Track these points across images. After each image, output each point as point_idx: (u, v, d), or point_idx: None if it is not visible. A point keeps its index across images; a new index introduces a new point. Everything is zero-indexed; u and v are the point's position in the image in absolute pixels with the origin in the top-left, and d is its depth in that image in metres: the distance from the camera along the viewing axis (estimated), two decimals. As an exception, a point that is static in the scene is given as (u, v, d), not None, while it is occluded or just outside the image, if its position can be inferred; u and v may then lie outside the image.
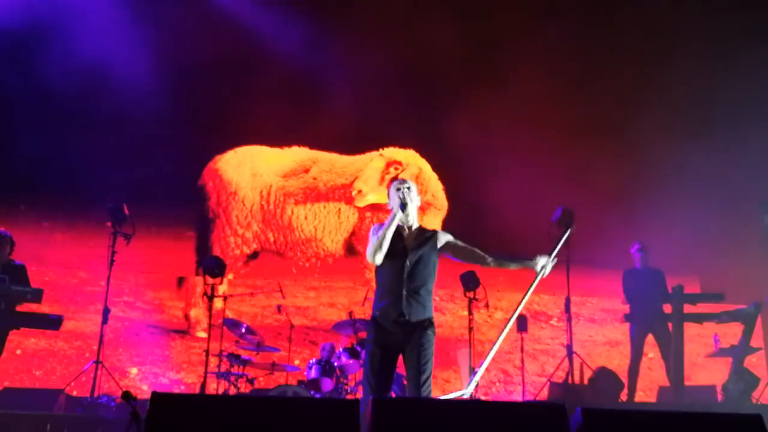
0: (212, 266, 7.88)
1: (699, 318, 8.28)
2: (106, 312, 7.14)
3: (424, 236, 4.97)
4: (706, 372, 9.60)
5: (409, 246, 4.87)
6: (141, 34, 9.00)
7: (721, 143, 9.32)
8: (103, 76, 8.85)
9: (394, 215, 4.93)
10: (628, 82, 9.52)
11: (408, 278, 4.77)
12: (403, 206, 4.94)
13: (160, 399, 3.17)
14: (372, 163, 9.42)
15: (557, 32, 9.43)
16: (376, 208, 9.46)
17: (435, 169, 9.70)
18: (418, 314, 4.84)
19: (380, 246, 4.80)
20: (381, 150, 9.59)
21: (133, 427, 3.11)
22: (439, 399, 4.59)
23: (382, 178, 9.34)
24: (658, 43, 9.35)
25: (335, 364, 7.09)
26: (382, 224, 5.02)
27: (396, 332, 4.71)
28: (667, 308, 8.25)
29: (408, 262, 4.79)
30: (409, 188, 5.04)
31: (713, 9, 9.60)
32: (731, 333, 8.94)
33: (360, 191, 9.25)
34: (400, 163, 9.42)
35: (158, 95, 9.06)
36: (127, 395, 3.08)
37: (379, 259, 4.81)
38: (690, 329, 8.66)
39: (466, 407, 3.46)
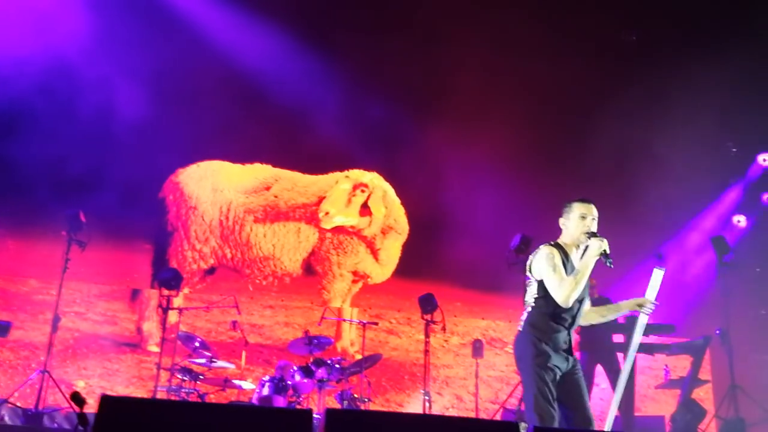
0: (168, 278, 7.78)
1: (650, 349, 8.41)
2: (56, 320, 6.98)
3: None
4: (656, 403, 9.74)
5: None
6: (103, 43, 8.90)
7: (672, 172, 9.57)
8: (62, 82, 8.73)
9: (592, 251, 4.41)
10: (586, 113, 9.71)
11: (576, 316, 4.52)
12: (588, 237, 4.49)
13: (109, 402, 3.11)
14: (338, 185, 9.48)
15: (516, 59, 9.62)
16: (339, 229, 9.48)
17: (396, 192, 9.78)
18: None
19: (577, 287, 4.38)
20: (346, 172, 9.64)
21: (80, 430, 3.02)
22: (392, 412, 4.53)
23: (349, 200, 9.43)
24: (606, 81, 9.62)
25: (289, 382, 7.03)
26: (556, 254, 4.50)
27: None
28: (619, 338, 8.34)
29: (582, 302, 4.54)
30: (594, 218, 4.57)
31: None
32: (681, 366, 9.11)
33: (327, 213, 9.31)
34: (366, 186, 9.51)
35: (120, 105, 8.96)
36: (76, 397, 3.00)
37: (572, 302, 4.41)
38: (641, 361, 8.78)
39: (420, 421, 3.46)
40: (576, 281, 4.34)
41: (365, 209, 9.49)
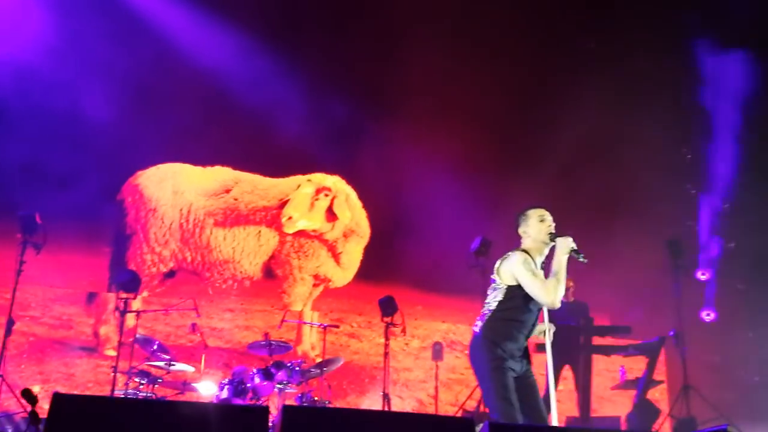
0: (126, 281, 7.70)
1: (607, 350, 8.55)
2: (10, 323, 6.85)
3: None
4: (612, 404, 9.88)
5: None
6: (62, 44, 8.80)
7: (629, 176, 9.76)
8: (20, 83, 8.59)
9: (561, 250, 4.48)
10: (545, 120, 9.87)
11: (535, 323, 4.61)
12: (553, 238, 4.57)
13: (61, 400, 3.07)
14: (301, 189, 9.47)
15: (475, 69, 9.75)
16: (300, 233, 9.46)
17: (357, 195, 9.81)
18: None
19: (561, 287, 4.41)
20: (308, 175, 9.64)
21: (32, 428, 2.99)
22: (349, 408, 4.55)
23: (312, 204, 9.42)
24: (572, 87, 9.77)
25: (248, 385, 6.99)
26: (531, 259, 4.54)
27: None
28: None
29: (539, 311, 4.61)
30: (552, 221, 4.66)
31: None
32: (637, 367, 9.27)
33: (290, 217, 9.29)
34: (329, 189, 9.52)
35: (79, 107, 8.85)
36: (27, 393, 2.96)
37: (559, 302, 4.44)
38: (598, 362, 8.92)
39: (377, 417, 3.48)
40: (558, 281, 4.39)
41: (331, 214, 9.50)
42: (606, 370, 9.85)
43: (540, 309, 4.59)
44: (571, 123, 9.44)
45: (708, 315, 9.83)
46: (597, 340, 8.56)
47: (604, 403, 9.96)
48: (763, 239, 9.54)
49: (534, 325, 4.60)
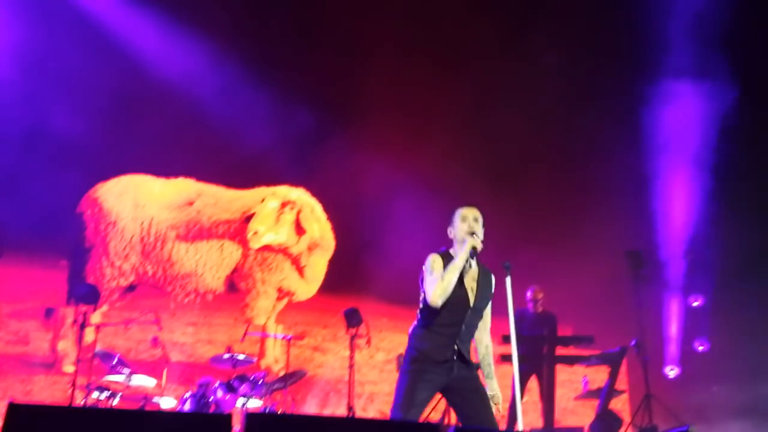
0: (85, 293, 7.57)
1: (570, 360, 8.61)
2: (-37, 338, 6.66)
3: (487, 279, 4.56)
4: (575, 416, 9.95)
5: (469, 288, 4.46)
6: (22, 54, 8.67)
7: (592, 192, 9.91)
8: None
9: (463, 249, 4.38)
10: (506, 132, 9.98)
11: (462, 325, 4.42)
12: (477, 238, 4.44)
13: (17, 410, 2.99)
14: (266, 203, 9.36)
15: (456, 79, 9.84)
16: (265, 247, 9.37)
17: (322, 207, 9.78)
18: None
19: (445, 286, 4.31)
20: (272, 188, 9.57)
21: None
22: (314, 415, 4.51)
23: (278, 218, 9.31)
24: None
25: (211, 398, 6.89)
26: (437, 259, 4.48)
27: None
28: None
29: (470, 311, 4.44)
30: (476, 219, 4.54)
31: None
32: (599, 377, 9.35)
33: (256, 232, 9.15)
34: (294, 203, 9.43)
35: (37, 118, 8.71)
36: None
37: (441, 302, 4.34)
38: (561, 374, 8.97)
39: (341, 424, 3.45)
40: (444, 279, 4.30)
41: (298, 228, 9.42)
42: (569, 380, 9.93)
43: (468, 309, 4.42)
44: (532, 134, 9.57)
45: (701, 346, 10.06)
46: (560, 350, 8.61)
47: (568, 414, 10.03)
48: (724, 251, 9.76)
49: (467, 328, 4.42)
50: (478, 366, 4.55)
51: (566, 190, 10.12)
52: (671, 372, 9.91)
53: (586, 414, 9.73)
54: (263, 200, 9.42)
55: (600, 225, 10.29)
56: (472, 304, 4.42)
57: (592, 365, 8.71)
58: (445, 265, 4.39)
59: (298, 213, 9.37)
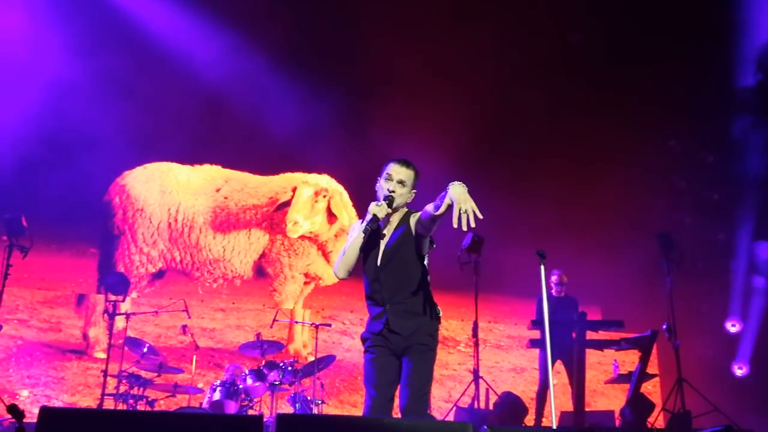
0: (115, 282, 7.62)
1: (600, 345, 8.52)
2: (-4, 328, 6.76)
3: (402, 224, 4.17)
4: (605, 398, 9.89)
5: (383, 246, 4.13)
6: (51, 43, 8.69)
7: (622, 176, 9.75)
8: (6, 86, 8.48)
9: (366, 219, 4.05)
10: (542, 115, 9.84)
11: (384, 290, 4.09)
12: (389, 201, 4.10)
13: (49, 414, 3.01)
14: (301, 192, 9.42)
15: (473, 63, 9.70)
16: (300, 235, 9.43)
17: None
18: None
19: (347, 255, 4.08)
20: (302, 176, 9.58)
21: (19, 444, 2.91)
22: (347, 416, 4.45)
23: (312, 207, 9.36)
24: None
25: (240, 386, 6.92)
26: (356, 225, 4.29)
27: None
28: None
29: (382, 271, 4.09)
30: (402, 182, 4.17)
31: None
32: (629, 360, 9.26)
33: (296, 222, 9.24)
34: (327, 190, 9.48)
35: (65, 107, 8.74)
36: (13, 409, 2.89)
37: (342, 272, 4.13)
38: (591, 356, 8.90)
39: (372, 424, 3.43)
40: (346, 254, 4.08)
41: (331, 215, 9.45)
42: (599, 363, 9.87)
43: (381, 270, 4.08)
44: (563, 119, 9.42)
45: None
46: (590, 335, 8.53)
47: (598, 397, 9.97)
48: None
49: (392, 288, 4.06)
50: (430, 332, 4.12)
51: (591, 165, 9.96)
52: (739, 371, 9.87)
53: (616, 397, 9.67)
54: (296, 189, 9.44)
55: (630, 205, 10.18)
56: (381, 266, 4.10)
57: (622, 349, 8.61)
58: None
59: (329, 200, 9.42)
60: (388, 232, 4.19)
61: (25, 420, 3.00)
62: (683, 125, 10.28)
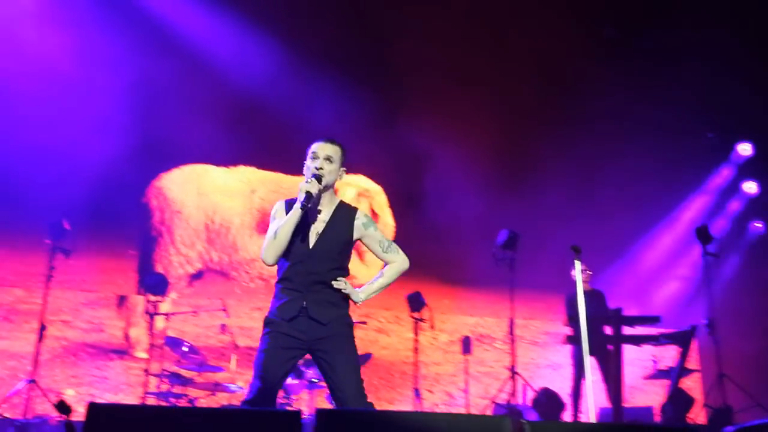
0: (154, 283, 7.75)
1: (637, 340, 8.44)
2: (41, 329, 6.92)
3: (344, 218, 4.13)
4: (644, 394, 9.80)
5: (314, 233, 4.03)
6: (89, 49, 8.85)
7: (659, 169, 9.65)
8: (45, 90, 8.66)
9: (299, 198, 3.93)
10: (575, 111, 9.78)
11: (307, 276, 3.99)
12: (318, 178, 3.99)
13: (96, 410, 3.09)
14: (343, 194, 9.45)
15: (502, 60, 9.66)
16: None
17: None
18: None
19: (276, 239, 3.90)
20: (345, 177, 9.61)
21: (68, 438, 3.01)
22: (385, 411, 4.48)
23: None
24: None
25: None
26: (279, 208, 4.12)
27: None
28: (608, 330, 8.37)
29: (314, 259, 4.00)
30: (329, 158, 4.06)
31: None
32: (668, 356, 9.17)
33: None
34: (368, 191, 9.54)
35: (101, 110, 8.91)
36: (61, 405, 2.98)
37: (272, 258, 3.98)
38: (629, 352, 8.82)
39: (412, 418, 3.46)
40: (276, 237, 3.91)
41: (374, 216, 9.52)
42: (637, 359, 9.76)
43: (308, 259, 3.97)
44: (596, 114, 9.35)
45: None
46: (626, 330, 8.45)
47: (636, 393, 9.89)
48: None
49: (316, 278, 3.97)
50: (349, 322, 4.08)
51: (624, 160, 9.87)
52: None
53: (656, 392, 9.58)
54: (336, 190, 9.49)
55: (667, 198, 10.08)
56: (311, 248, 3.99)
57: (660, 345, 8.52)
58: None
59: (371, 201, 9.50)
60: (322, 215, 4.08)
61: (72, 417, 3.10)
62: (721, 116, 10.14)
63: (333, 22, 9.55)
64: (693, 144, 10.24)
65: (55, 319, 8.63)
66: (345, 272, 4.13)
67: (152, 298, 7.68)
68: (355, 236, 4.14)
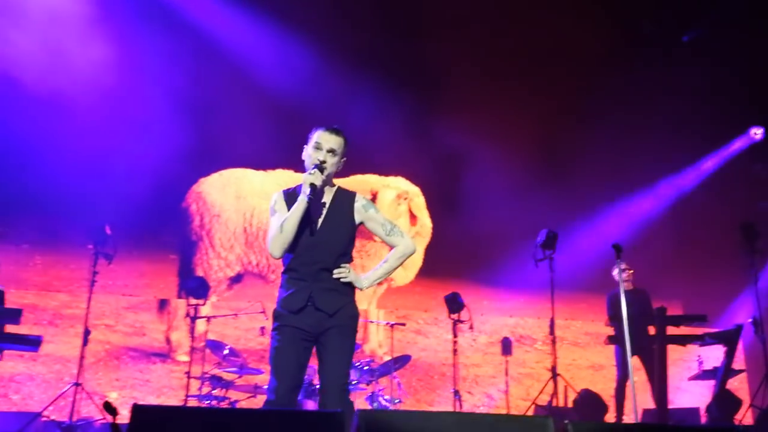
0: (195, 287, 7.83)
1: (683, 340, 8.29)
2: (86, 333, 7.03)
3: (343, 204, 4.10)
4: (689, 395, 9.61)
5: (316, 221, 4.00)
6: (124, 52, 8.99)
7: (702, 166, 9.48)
8: (87, 100, 8.81)
9: (303, 190, 3.92)
10: (614, 108, 9.65)
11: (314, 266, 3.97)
12: (321, 169, 3.97)
13: (141, 411, 3.12)
14: (384, 195, 9.52)
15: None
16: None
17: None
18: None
19: (283, 233, 3.88)
20: (380, 178, 9.71)
21: (114, 439, 3.04)
22: (427, 411, 4.44)
23: (396, 210, 9.48)
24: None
25: (318, 386, 7.00)
26: (278, 199, 4.09)
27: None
28: (652, 330, 8.23)
29: (317, 247, 3.98)
30: (332, 150, 4.06)
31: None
32: (714, 356, 8.98)
33: None
34: (407, 193, 9.56)
35: (141, 119, 9.04)
36: (107, 406, 3.01)
37: (278, 250, 3.93)
38: (673, 352, 8.67)
39: (454, 419, 3.43)
40: (283, 230, 3.87)
41: (413, 217, 9.54)
42: (681, 359, 9.59)
43: (312, 248, 3.94)
44: (636, 107, 9.20)
45: None
46: (671, 330, 8.30)
47: (681, 394, 9.71)
48: None
49: (320, 266, 3.94)
50: (354, 314, 4.02)
51: (675, 156, 9.72)
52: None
53: (701, 393, 9.38)
54: (376, 193, 9.53)
55: (711, 195, 9.90)
56: (315, 238, 3.97)
57: (706, 344, 8.36)
58: (289, 207, 3.97)
59: (410, 203, 9.52)
60: (324, 204, 4.05)
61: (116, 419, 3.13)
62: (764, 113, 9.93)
63: (370, 25, 9.56)
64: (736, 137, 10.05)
65: (99, 323, 8.77)
66: (349, 258, 4.09)
67: (193, 301, 7.75)
68: (357, 220, 4.10)
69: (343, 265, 4.00)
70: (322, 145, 4.05)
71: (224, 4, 9.24)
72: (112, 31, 8.90)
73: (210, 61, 9.34)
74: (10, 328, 6.85)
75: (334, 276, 3.96)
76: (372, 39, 9.55)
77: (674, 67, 9.66)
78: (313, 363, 4.04)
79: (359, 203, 4.11)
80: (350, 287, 4.05)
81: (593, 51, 9.51)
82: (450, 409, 8.11)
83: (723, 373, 8.15)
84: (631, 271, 8.37)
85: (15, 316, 6.51)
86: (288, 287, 3.97)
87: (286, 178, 9.70)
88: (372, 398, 7.11)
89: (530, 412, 8.01)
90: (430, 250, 9.83)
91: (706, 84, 9.44)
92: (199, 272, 9.15)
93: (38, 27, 8.56)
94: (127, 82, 8.95)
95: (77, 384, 6.91)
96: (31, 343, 6.69)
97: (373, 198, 9.59)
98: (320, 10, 9.35)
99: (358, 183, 9.64)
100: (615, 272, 8.33)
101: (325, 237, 3.98)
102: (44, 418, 6.93)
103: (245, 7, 9.26)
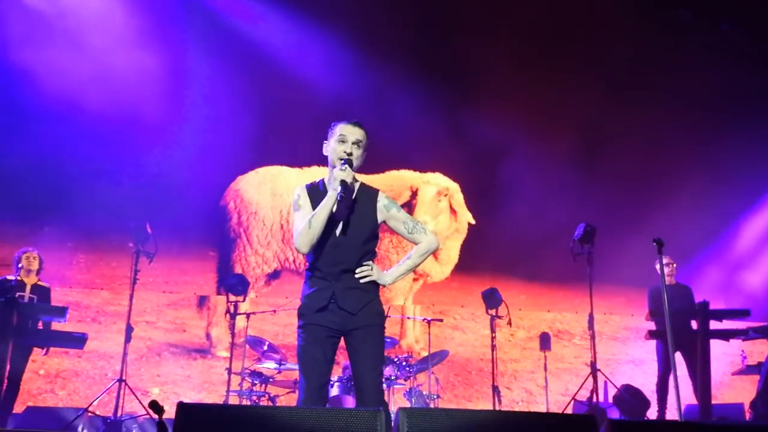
0: (234, 283, 7.91)
1: (726, 335, 8.14)
2: (129, 330, 7.15)
3: (367, 202, 3.98)
4: (733, 390, 9.45)
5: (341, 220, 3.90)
6: (162, 54, 9.11)
7: (744, 160, 9.29)
8: (129, 102, 8.94)
9: (333, 187, 3.83)
10: (657, 101, 9.50)
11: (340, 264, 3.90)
12: (350, 164, 3.88)
13: (186, 409, 3.17)
14: (425, 193, 9.54)
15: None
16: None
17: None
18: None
19: (312, 229, 3.79)
20: (420, 175, 9.72)
21: (160, 437, 3.09)
22: (468, 409, 4.42)
23: (437, 206, 9.50)
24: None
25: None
26: (302, 194, 3.99)
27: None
28: (694, 325, 8.11)
29: (341, 247, 3.90)
30: (357, 142, 3.95)
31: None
32: (758, 350, 8.82)
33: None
34: (447, 189, 9.57)
35: (181, 118, 9.16)
36: (154, 405, 3.07)
37: (306, 246, 3.83)
38: (716, 347, 8.52)
39: (498, 417, 3.42)
40: (311, 226, 3.78)
41: (454, 213, 9.56)
42: (724, 354, 9.43)
43: (336, 247, 3.86)
44: (676, 96, 9.05)
45: None
46: (714, 325, 8.16)
47: (725, 389, 9.55)
48: None
49: (344, 265, 3.86)
50: (380, 311, 3.98)
51: (715, 147, 9.54)
52: None
53: (745, 388, 9.22)
54: (416, 189, 9.54)
55: (752, 186, 9.71)
56: (339, 238, 3.88)
57: (749, 339, 8.19)
58: (313, 203, 3.89)
59: (450, 199, 9.52)
60: (347, 201, 3.90)
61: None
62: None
63: (409, 22, 9.55)
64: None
65: (140, 320, 8.92)
66: (372, 255, 4.02)
67: (232, 298, 7.83)
68: (380, 219, 4.02)
69: (365, 263, 3.95)
70: (347, 137, 3.94)
71: (263, 3, 9.31)
72: (155, 37, 9.04)
73: (247, 60, 9.42)
74: (56, 326, 7.00)
75: (357, 276, 3.91)
76: (408, 35, 9.54)
77: (720, 52, 9.49)
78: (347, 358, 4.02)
79: (381, 202, 4.02)
80: (374, 284, 3.99)
81: (633, 40, 9.39)
82: (488, 404, 8.09)
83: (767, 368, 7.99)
84: (674, 265, 8.24)
85: (61, 314, 6.63)
86: (311, 285, 3.92)
87: (321, 174, 9.68)
88: (410, 393, 7.11)
89: (570, 408, 7.95)
90: (466, 246, 9.81)
91: (752, 68, 9.29)
92: (238, 269, 9.25)
93: (94, 46, 8.75)
94: (170, 83, 9.08)
95: (121, 380, 7.03)
96: (77, 341, 6.81)
97: (414, 194, 9.58)
98: (357, 8, 9.36)
99: (395, 179, 9.65)
100: (657, 266, 8.22)
101: (350, 236, 3.90)
102: (90, 414, 7.08)
103: (284, 5, 9.32)
